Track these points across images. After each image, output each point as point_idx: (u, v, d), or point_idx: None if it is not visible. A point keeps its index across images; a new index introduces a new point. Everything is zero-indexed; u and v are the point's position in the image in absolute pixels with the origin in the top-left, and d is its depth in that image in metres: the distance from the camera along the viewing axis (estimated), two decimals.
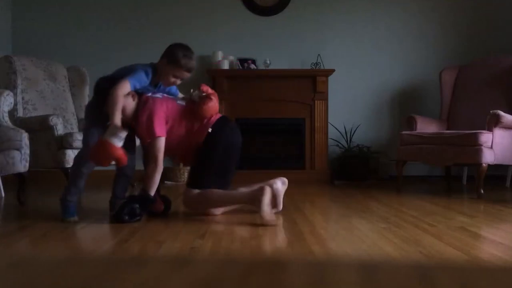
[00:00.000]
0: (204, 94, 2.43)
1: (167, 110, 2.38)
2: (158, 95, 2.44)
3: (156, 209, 2.45)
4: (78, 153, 2.44)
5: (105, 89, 2.30)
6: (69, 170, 2.46)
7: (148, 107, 2.33)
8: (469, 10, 4.83)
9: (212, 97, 2.43)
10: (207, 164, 2.44)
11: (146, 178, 2.33)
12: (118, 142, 2.15)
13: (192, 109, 2.44)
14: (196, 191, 2.41)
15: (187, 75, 2.42)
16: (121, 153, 2.16)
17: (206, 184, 2.41)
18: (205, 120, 2.45)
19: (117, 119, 2.20)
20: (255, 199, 2.31)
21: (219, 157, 2.44)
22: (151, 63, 2.43)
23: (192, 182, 2.46)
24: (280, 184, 2.56)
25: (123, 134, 2.17)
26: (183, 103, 2.47)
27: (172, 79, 2.40)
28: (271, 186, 2.48)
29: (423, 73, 4.80)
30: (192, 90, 2.50)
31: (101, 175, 3.24)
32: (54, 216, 2.53)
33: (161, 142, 2.33)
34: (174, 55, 2.36)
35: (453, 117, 4.20)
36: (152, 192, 2.32)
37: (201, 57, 4.54)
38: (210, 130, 2.43)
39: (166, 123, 2.37)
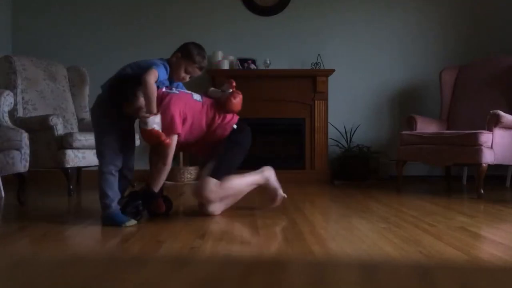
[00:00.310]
0: (230, 90, 2.47)
1: (185, 106, 2.35)
2: (175, 90, 2.42)
3: (157, 210, 2.44)
4: (98, 157, 2.32)
5: (126, 85, 2.25)
6: (98, 181, 2.28)
7: (166, 103, 2.30)
8: (469, 10, 4.83)
9: (239, 92, 2.47)
10: (230, 158, 2.44)
11: (153, 174, 2.33)
12: (148, 127, 2.20)
13: (211, 104, 2.46)
14: (216, 181, 2.37)
15: (198, 72, 2.44)
16: (157, 138, 2.20)
17: (226, 175, 2.42)
18: (230, 116, 2.48)
19: (153, 106, 2.20)
20: (269, 180, 2.57)
21: (240, 152, 2.47)
22: (162, 58, 2.42)
23: (216, 173, 2.40)
24: (268, 170, 2.63)
25: (152, 119, 2.20)
26: (199, 99, 2.46)
27: (183, 74, 2.41)
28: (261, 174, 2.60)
29: (423, 73, 4.80)
30: (210, 88, 2.57)
31: None
32: (54, 216, 2.53)
33: (175, 140, 2.32)
34: (190, 50, 2.39)
35: (453, 117, 4.20)
36: (157, 189, 2.33)
37: None
38: (235, 126, 2.47)
39: (184, 119, 2.35)
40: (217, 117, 2.45)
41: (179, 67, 2.40)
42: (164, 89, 2.38)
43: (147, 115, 2.20)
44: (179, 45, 2.46)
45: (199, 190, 2.38)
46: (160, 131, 2.23)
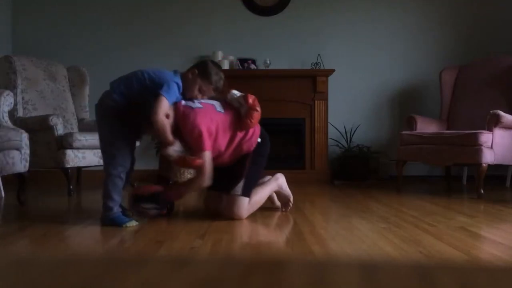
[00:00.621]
0: (247, 106, 2.36)
1: (211, 121, 2.26)
2: (197, 103, 2.30)
3: (159, 212, 2.44)
4: (106, 157, 2.28)
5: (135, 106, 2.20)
6: (105, 181, 2.25)
7: (192, 121, 2.19)
8: (469, 10, 4.83)
9: (258, 108, 2.36)
10: (256, 172, 2.44)
11: (185, 187, 2.34)
12: (171, 159, 2.24)
13: (232, 116, 2.37)
14: (248, 199, 2.38)
15: (212, 93, 2.38)
16: (182, 164, 2.24)
17: (253, 189, 2.44)
18: (252, 130, 2.42)
19: (169, 139, 2.18)
20: (282, 186, 2.63)
21: (263, 163, 2.49)
22: (175, 71, 2.33)
23: (247, 190, 2.39)
24: (281, 177, 2.69)
25: (171, 150, 2.22)
26: (222, 110, 2.36)
27: (196, 92, 2.33)
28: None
29: (423, 73, 4.80)
30: (231, 91, 2.46)
31: (101, 175, 3.24)
32: (54, 216, 2.54)
33: (209, 156, 2.24)
34: (207, 69, 2.32)
35: (453, 117, 4.20)
36: (176, 200, 2.36)
37: (201, 57, 4.53)
38: (259, 140, 2.44)
39: (211, 134, 2.26)
40: (238, 130, 2.37)
41: (194, 84, 2.31)
42: (183, 103, 2.26)
43: (167, 149, 2.20)
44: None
45: (232, 210, 2.36)
46: (181, 154, 2.22)
